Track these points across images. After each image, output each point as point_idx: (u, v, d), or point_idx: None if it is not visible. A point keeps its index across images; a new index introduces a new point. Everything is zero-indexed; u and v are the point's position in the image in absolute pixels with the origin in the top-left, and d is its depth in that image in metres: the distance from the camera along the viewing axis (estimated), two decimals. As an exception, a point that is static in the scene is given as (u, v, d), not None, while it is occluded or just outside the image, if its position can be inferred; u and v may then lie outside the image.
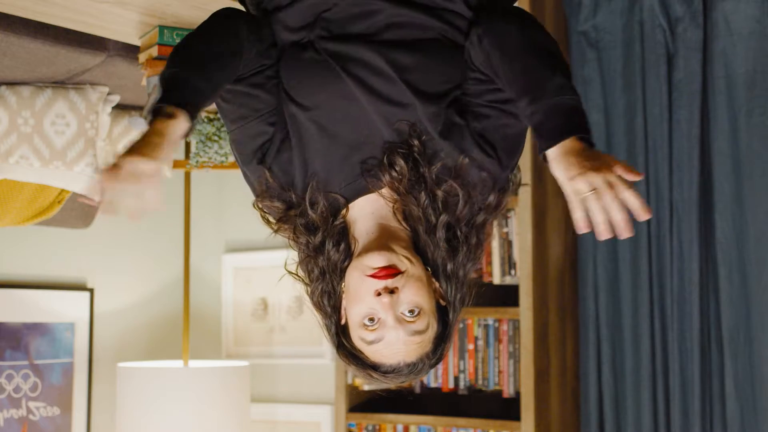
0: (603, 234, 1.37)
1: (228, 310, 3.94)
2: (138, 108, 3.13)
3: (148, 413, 3.13)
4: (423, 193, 1.56)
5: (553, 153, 1.44)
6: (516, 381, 3.09)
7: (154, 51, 2.41)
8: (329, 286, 1.59)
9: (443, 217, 1.57)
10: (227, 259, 3.96)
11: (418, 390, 3.34)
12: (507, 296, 3.21)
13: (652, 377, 3.10)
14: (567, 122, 1.45)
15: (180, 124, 1.47)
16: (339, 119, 1.59)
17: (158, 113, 1.47)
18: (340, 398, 3.34)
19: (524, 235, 3.07)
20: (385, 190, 1.59)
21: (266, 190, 1.63)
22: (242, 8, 1.75)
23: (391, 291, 1.50)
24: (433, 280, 1.57)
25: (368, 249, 1.54)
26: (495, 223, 1.68)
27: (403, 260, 1.53)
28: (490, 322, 3.16)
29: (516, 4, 1.75)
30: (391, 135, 1.58)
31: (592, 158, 1.40)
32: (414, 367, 1.56)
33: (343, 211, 1.60)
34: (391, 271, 1.51)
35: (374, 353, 1.54)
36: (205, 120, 3.23)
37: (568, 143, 1.43)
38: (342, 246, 1.58)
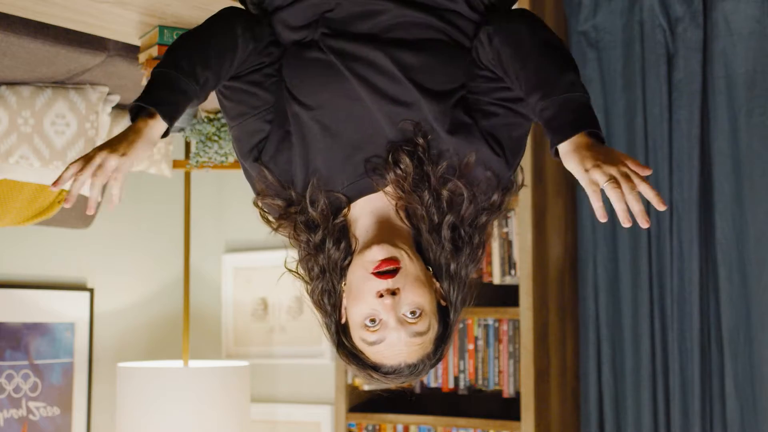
0: (624, 221, 1.39)
1: (228, 310, 3.94)
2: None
3: (148, 413, 3.13)
4: (427, 192, 1.56)
5: (565, 147, 1.46)
6: (516, 381, 3.09)
7: (154, 51, 2.41)
8: (329, 284, 1.59)
9: (449, 217, 1.57)
10: (227, 259, 3.96)
11: (418, 390, 3.34)
12: (507, 296, 3.21)
13: (652, 377, 3.10)
14: (578, 117, 1.48)
15: (157, 124, 1.52)
16: (342, 118, 1.59)
17: (138, 111, 1.52)
18: (340, 398, 3.34)
19: (524, 235, 3.07)
20: (388, 189, 1.58)
21: (266, 187, 1.64)
22: (242, 8, 1.75)
23: (393, 292, 1.50)
24: (434, 280, 1.57)
25: (369, 244, 1.54)
26: (495, 223, 1.69)
27: (403, 254, 1.53)
28: (490, 322, 3.16)
29: (516, 5, 1.75)
30: (396, 134, 1.58)
31: (605, 153, 1.44)
32: (415, 368, 1.56)
33: (345, 210, 1.60)
34: (393, 263, 1.51)
35: (375, 354, 1.54)
36: (205, 120, 3.23)
37: (580, 138, 1.46)
38: (343, 244, 1.58)
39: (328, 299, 1.60)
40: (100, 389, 3.51)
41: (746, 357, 2.95)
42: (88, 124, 2.89)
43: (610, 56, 3.23)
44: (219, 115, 3.24)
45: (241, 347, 3.90)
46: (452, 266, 1.58)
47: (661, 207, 1.39)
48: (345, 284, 1.57)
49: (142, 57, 2.46)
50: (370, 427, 3.32)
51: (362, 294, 1.52)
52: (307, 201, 1.59)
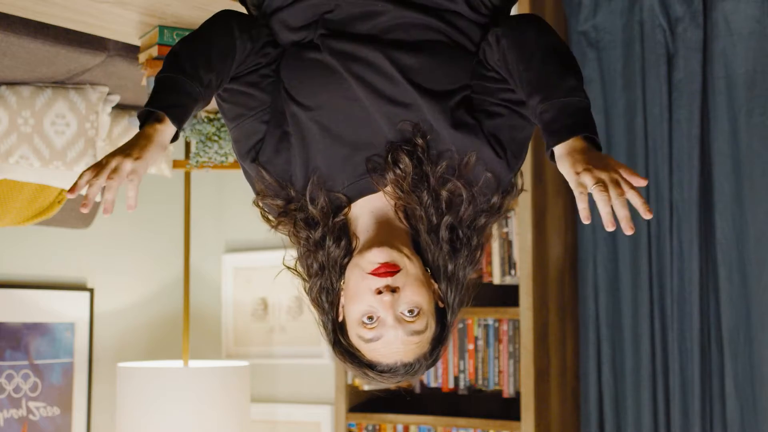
0: (608, 225, 1.39)
1: (228, 310, 3.94)
2: (138, 108, 3.13)
3: (148, 413, 3.13)
4: (426, 192, 1.57)
5: (560, 150, 1.47)
6: (516, 381, 3.09)
7: (154, 51, 2.41)
8: (328, 282, 1.59)
9: (447, 218, 1.57)
10: (227, 259, 3.96)
11: (418, 390, 3.34)
12: (507, 296, 3.21)
13: (652, 377, 3.10)
14: (576, 122, 1.48)
15: (167, 128, 1.53)
16: (341, 119, 1.59)
17: (147, 117, 1.53)
18: (340, 398, 3.34)
19: (524, 235, 3.07)
20: (388, 188, 1.59)
21: (265, 188, 1.64)
22: (240, 10, 1.76)
23: (393, 290, 1.50)
24: (433, 281, 1.58)
25: (369, 245, 1.54)
26: (495, 224, 1.69)
27: (404, 258, 1.53)
28: (490, 322, 3.16)
29: (517, 6, 1.76)
30: (395, 135, 1.58)
31: (598, 158, 1.44)
32: (411, 368, 1.56)
33: (345, 209, 1.60)
34: (392, 268, 1.51)
35: (371, 352, 1.54)
36: (205, 120, 3.23)
37: (576, 141, 1.46)
38: (343, 242, 1.59)
39: (326, 297, 1.60)
40: (100, 389, 3.51)
41: (746, 357, 2.95)
42: (88, 124, 2.89)
43: (610, 56, 3.23)
44: (219, 115, 3.24)
45: (241, 347, 3.90)
46: (450, 267, 1.58)
47: (647, 215, 1.39)
48: (344, 282, 1.57)
49: (142, 57, 2.46)
50: (370, 427, 3.32)
51: (361, 291, 1.52)
52: (307, 198, 1.59)
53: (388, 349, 1.53)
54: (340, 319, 1.59)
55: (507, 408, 3.19)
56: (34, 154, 2.81)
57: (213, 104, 3.11)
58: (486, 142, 1.58)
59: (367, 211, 1.60)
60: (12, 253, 3.32)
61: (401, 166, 1.56)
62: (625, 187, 1.40)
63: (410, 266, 1.53)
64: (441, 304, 1.58)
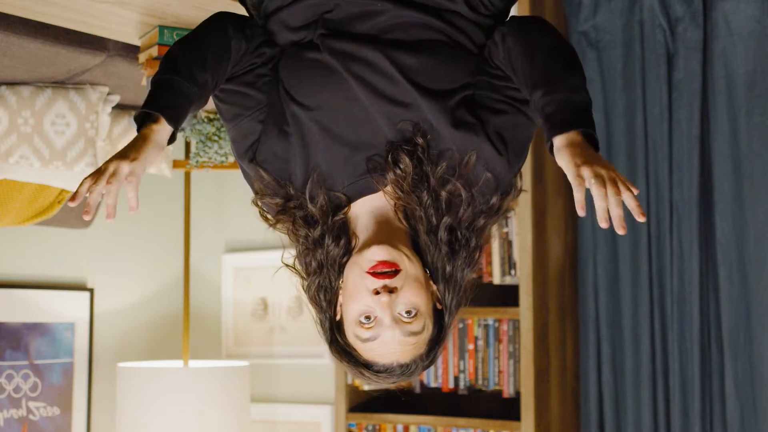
0: (602, 221, 1.40)
1: (228, 310, 3.94)
2: (138, 108, 3.13)
3: (148, 413, 3.13)
4: (426, 192, 1.57)
5: (560, 141, 1.48)
6: (516, 381, 3.09)
7: (154, 51, 2.41)
8: (326, 280, 1.60)
9: (446, 219, 1.57)
10: (227, 259, 3.96)
11: (418, 390, 3.34)
12: (507, 296, 3.21)
13: (652, 377, 3.10)
14: (578, 117, 1.50)
15: (163, 128, 1.55)
16: (341, 119, 1.59)
17: (143, 119, 1.55)
18: (340, 398, 3.34)
19: (524, 235, 3.07)
20: (388, 188, 1.59)
21: (264, 186, 1.64)
22: (239, 10, 1.76)
23: (390, 290, 1.50)
24: (431, 282, 1.58)
25: (369, 244, 1.54)
26: (494, 225, 1.69)
27: (403, 257, 1.53)
28: (490, 322, 3.16)
29: (517, 6, 1.77)
30: (395, 135, 1.58)
31: (598, 157, 1.46)
32: (407, 368, 1.56)
33: (345, 208, 1.60)
34: (391, 267, 1.51)
35: (368, 351, 1.54)
36: (205, 120, 3.23)
37: (576, 135, 1.47)
38: (342, 241, 1.59)
39: (324, 295, 1.60)
40: (100, 389, 3.51)
41: (746, 357, 2.95)
42: (88, 124, 2.89)
43: (610, 56, 3.23)
44: (219, 116, 3.24)
45: (241, 347, 3.90)
46: (448, 269, 1.58)
47: (640, 218, 1.40)
48: (342, 281, 1.57)
49: (142, 57, 2.46)
50: (370, 427, 3.32)
51: (359, 291, 1.52)
52: (307, 196, 1.59)
53: (385, 349, 1.53)
54: (338, 317, 1.59)
55: (507, 408, 3.19)
56: (34, 154, 2.81)
57: (213, 105, 3.12)
58: (487, 140, 1.58)
59: (366, 210, 1.60)
60: (12, 253, 3.32)
61: (401, 166, 1.56)
62: (621, 188, 1.41)
63: (409, 267, 1.53)
64: (439, 306, 1.58)
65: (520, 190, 1.68)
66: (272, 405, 3.80)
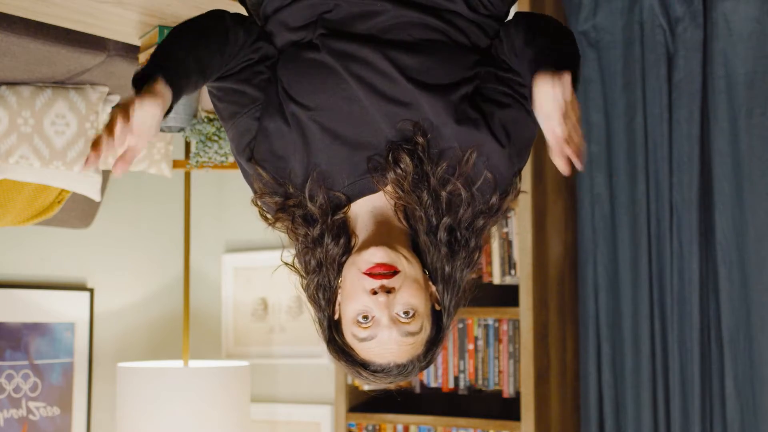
0: (556, 152, 1.40)
1: (228, 310, 3.94)
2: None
3: (148, 413, 3.13)
4: (426, 192, 1.56)
5: (542, 74, 1.45)
6: (516, 381, 3.10)
7: (154, 51, 2.40)
8: (325, 279, 1.59)
9: (446, 219, 1.57)
10: (227, 259, 3.96)
11: (418, 390, 3.34)
12: (507, 296, 3.21)
13: (652, 377, 3.10)
14: (564, 63, 1.49)
15: (162, 85, 1.46)
16: (341, 119, 1.59)
17: (141, 80, 1.47)
18: (340, 398, 3.34)
19: (524, 235, 3.07)
20: (388, 188, 1.59)
21: (263, 185, 1.64)
22: (239, 10, 1.76)
23: (388, 290, 1.50)
24: (430, 283, 1.58)
25: (367, 244, 1.54)
26: (494, 226, 1.69)
27: (401, 259, 1.53)
28: (490, 322, 3.16)
29: (516, 5, 1.77)
30: (395, 134, 1.58)
31: (575, 100, 1.44)
32: (404, 369, 1.56)
33: (345, 208, 1.60)
34: (389, 268, 1.51)
35: (365, 351, 1.54)
36: (205, 120, 3.23)
37: (559, 72, 1.45)
38: (342, 240, 1.58)
39: (323, 294, 1.60)
40: (100, 389, 3.51)
41: (746, 357, 2.95)
42: (88, 124, 2.89)
43: (610, 56, 3.23)
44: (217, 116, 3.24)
45: (241, 347, 3.90)
46: (447, 270, 1.58)
47: (579, 166, 1.40)
48: (341, 280, 1.57)
49: (142, 57, 2.47)
50: (370, 427, 3.32)
51: (357, 290, 1.52)
52: (306, 195, 1.59)
53: (382, 349, 1.53)
54: (336, 316, 1.59)
55: (507, 408, 3.19)
56: (34, 154, 2.81)
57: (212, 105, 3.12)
58: (490, 134, 1.58)
59: (366, 210, 1.60)
60: (12, 253, 3.32)
61: (402, 166, 1.56)
62: (575, 136, 1.41)
63: (408, 267, 1.53)
64: (438, 307, 1.58)
65: (519, 191, 1.68)
66: (272, 405, 3.80)
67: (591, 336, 3.22)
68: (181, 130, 3.10)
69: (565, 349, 3.25)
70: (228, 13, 1.68)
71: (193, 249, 3.75)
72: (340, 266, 1.58)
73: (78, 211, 3.27)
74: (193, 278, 3.83)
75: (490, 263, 3.17)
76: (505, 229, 3.15)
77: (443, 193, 1.57)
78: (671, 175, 3.09)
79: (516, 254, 3.12)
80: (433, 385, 3.25)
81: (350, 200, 1.60)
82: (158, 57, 1.54)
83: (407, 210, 1.59)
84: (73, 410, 3.40)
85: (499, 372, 3.13)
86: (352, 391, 3.37)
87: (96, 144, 1.39)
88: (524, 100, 1.61)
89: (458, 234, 1.58)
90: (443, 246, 1.57)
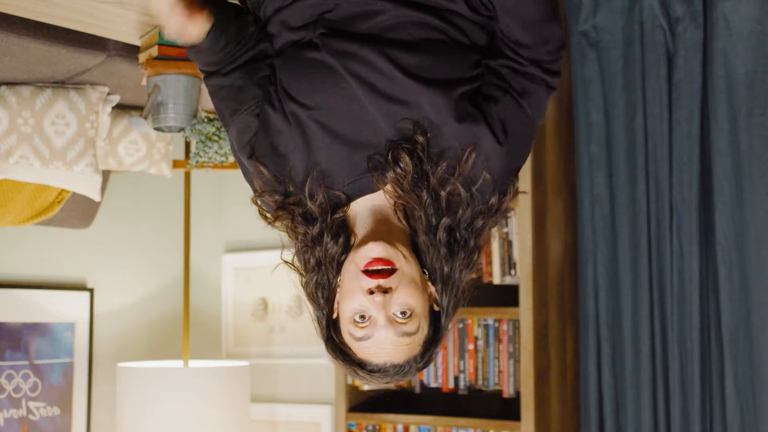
0: None
1: (228, 310, 3.94)
2: (138, 108, 3.13)
3: (148, 413, 3.13)
4: (425, 192, 1.56)
5: None
6: (516, 381, 3.10)
7: (154, 51, 2.41)
8: (324, 278, 1.60)
9: (445, 220, 1.57)
10: (227, 259, 3.96)
11: (418, 390, 3.34)
12: (507, 296, 3.21)
13: (652, 377, 3.10)
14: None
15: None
16: (341, 118, 1.59)
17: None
18: (340, 398, 3.34)
19: (524, 235, 3.07)
20: (388, 187, 1.59)
21: (263, 183, 1.64)
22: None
23: (385, 291, 1.50)
24: (429, 283, 1.57)
25: (366, 240, 1.54)
26: (493, 226, 1.69)
27: (400, 256, 1.53)
28: (490, 322, 3.16)
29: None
30: (395, 134, 1.58)
31: None
32: (401, 369, 1.56)
33: (344, 207, 1.60)
34: (387, 263, 1.51)
35: (362, 350, 1.55)
36: (205, 120, 3.23)
37: None
38: (341, 239, 1.59)
39: (322, 293, 1.60)
40: (100, 389, 3.51)
41: (746, 357, 2.95)
42: (88, 124, 2.89)
43: (610, 56, 3.23)
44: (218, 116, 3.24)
45: (241, 347, 3.90)
46: (446, 270, 1.57)
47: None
48: (340, 279, 1.58)
49: (142, 57, 2.47)
50: (370, 427, 3.32)
51: (354, 289, 1.52)
52: (306, 193, 1.59)
53: (378, 348, 1.53)
54: (335, 315, 1.59)
55: (507, 408, 3.19)
56: (34, 154, 2.81)
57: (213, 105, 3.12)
58: (488, 130, 1.58)
59: (366, 209, 1.60)
60: (12, 253, 3.33)
61: (401, 165, 1.56)
62: None
63: (406, 267, 1.53)
64: (436, 307, 1.58)
65: (518, 191, 1.68)
66: (272, 405, 3.80)
67: (591, 336, 3.22)
68: (181, 130, 3.10)
69: (565, 349, 3.25)
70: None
71: (193, 249, 3.75)
72: (339, 265, 1.58)
73: (78, 211, 3.27)
74: (193, 278, 3.83)
75: (490, 263, 3.17)
76: (505, 229, 3.15)
77: (443, 193, 1.57)
78: (671, 175, 3.09)
79: (516, 254, 3.12)
80: (433, 385, 3.25)
81: (350, 199, 1.60)
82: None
83: (407, 210, 1.59)
84: (73, 410, 3.40)
85: (499, 372, 3.13)
86: (352, 391, 3.37)
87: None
88: (518, 95, 1.61)
89: (457, 234, 1.58)
90: (442, 246, 1.57)
